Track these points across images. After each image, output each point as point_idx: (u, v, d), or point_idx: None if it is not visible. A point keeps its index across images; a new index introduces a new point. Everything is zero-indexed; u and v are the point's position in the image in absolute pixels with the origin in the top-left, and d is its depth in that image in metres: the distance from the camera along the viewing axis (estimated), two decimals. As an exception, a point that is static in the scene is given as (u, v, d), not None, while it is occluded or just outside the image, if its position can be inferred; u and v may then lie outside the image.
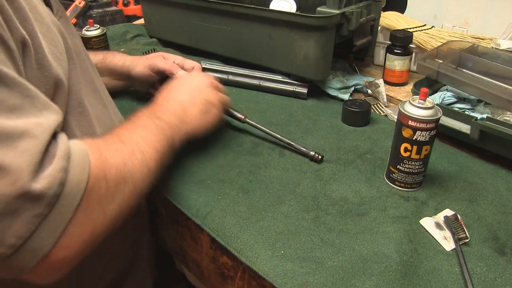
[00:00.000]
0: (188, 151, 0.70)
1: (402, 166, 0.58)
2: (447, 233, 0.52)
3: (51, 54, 0.43)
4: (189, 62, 0.79)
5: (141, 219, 0.69)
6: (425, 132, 0.54)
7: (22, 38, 0.39)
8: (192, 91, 0.64)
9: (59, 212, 0.35)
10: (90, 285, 0.59)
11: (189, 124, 0.60)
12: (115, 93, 0.80)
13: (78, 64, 0.52)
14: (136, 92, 0.85)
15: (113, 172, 0.41)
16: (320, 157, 0.66)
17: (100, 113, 0.56)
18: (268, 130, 0.70)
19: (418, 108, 0.54)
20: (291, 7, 1.01)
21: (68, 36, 0.53)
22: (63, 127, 0.47)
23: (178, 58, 0.79)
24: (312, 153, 0.66)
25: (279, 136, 0.69)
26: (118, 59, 0.79)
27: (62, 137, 0.38)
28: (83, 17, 1.27)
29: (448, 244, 0.51)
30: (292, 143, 0.68)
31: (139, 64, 0.78)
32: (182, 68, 0.78)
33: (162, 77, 0.78)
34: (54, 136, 0.38)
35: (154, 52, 1.08)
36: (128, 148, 0.46)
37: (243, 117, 0.72)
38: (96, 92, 0.57)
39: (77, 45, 0.55)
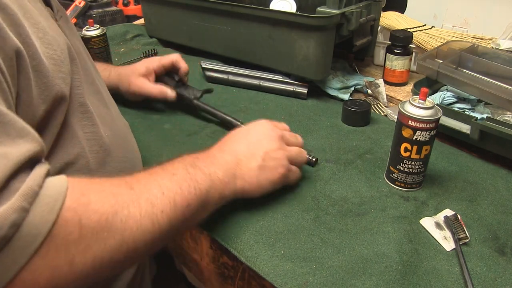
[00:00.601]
0: (187, 150, 0.70)
1: (402, 166, 0.58)
2: (447, 233, 0.52)
3: (48, 59, 0.42)
4: (165, 59, 0.78)
5: None
6: (425, 132, 0.54)
7: (15, 47, 0.37)
8: (253, 142, 0.54)
9: (8, 256, 0.31)
10: None
11: (241, 180, 0.51)
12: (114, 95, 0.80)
13: (80, 64, 0.51)
14: (144, 103, 0.85)
15: (93, 219, 0.35)
16: (314, 159, 0.65)
17: (104, 114, 0.55)
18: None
19: (418, 108, 0.54)
20: (291, 7, 1.01)
21: (69, 36, 0.53)
22: (65, 128, 0.46)
23: (155, 62, 0.78)
24: (308, 157, 0.64)
25: None
26: (104, 78, 0.78)
27: (37, 171, 0.34)
28: (83, 17, 1.27)
29: (448, 244, 0.51)
30: None
31: (125, 92, 0.78)
32: (162, 66, 0.78)
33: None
34: (28, 167, 0.34)
35: (154, 52, 1.08)
36: (133, 195, 0.40)
37: (239, 123, 0.72)
38: (98, 93, 0.56)
39: (77, 46, 0.54)
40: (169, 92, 0.77)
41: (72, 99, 0.47)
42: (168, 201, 0.41)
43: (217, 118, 0.76)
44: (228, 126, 0.74)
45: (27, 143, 0.35)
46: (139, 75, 0.78)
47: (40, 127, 0.42)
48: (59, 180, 0.36)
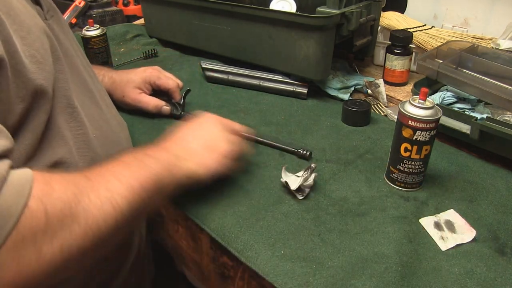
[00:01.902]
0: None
1: (402, 166, 0.58)
2: (445, 233, 0.52)
3: (30, 58, 0.42)
4: (164, 81, 0.78)
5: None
6: (425, 132, 0.54)
7: None
8: (196, 130, 0.58)
9: None
10: None
11: (190, 161, 0.53)
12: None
13: (66, 64, 0.51)
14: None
15: (58, 207, 0.36)
16: (308, 153, 0.67)
17: (94, 114, 0.55)
18: (246, 135, 0.67)
19: (418, 108, 0.54)
20: (291, 7, 1.01)
21: (60, 35, 0.52)
22: (51, 129, 0.46)
23: (153, 77, 0.78)
24: (300, 151, 0.67)
25: (260, 139, 0.70)
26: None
27: (3, 162, 0.35)
28: (83, 17, 1.27)
29: (444, 244, 0.51)
30: (274, 143, 0.69)
31: (119, 101, 0.77)
32: (157, 86, 0.78)
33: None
34: None
35: (154, 52, 1.08)
36: (90, 184, 0.41)
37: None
38: (89, 92, 0.56)
39: (67, 45, 0.54)
40: (164, 108, 0.78)
41: (57, 98, 0.47)
42: (125, 186, 0.43)
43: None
44: None
45: (0, 140, 0.36)
46: (134, 87, 0.77)
47: (21, 124, 0.42)
48: (25, 171, 0.37)
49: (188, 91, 0.80)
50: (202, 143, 0.56)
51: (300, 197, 0.58)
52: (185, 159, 0.53)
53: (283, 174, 0.59)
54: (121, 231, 0.44)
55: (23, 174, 0.36)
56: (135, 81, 0.77)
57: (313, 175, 0.59)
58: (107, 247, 0.43)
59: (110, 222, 0.41)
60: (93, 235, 0.39)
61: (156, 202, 0.49)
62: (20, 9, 0.44)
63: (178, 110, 0.79)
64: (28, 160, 0.44)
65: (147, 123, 0.79)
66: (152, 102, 0.77)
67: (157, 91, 0.81)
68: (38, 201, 0.35)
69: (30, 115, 0.43)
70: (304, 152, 0.67)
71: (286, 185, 0.59)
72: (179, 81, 0.81)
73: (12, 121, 0.41)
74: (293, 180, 0.58)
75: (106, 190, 0.42)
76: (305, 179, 0.58)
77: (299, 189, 0.58)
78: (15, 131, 0.42)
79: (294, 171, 0.64)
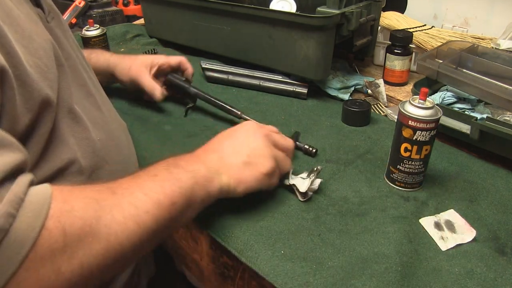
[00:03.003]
0: (186, 151, 0.70)
1: (402, 166, 0.58)
2: (445, 233, 0.52)
3: (33, 68, 0.41)
4: (173, 59, 0.79)
5: None
6: (425, 132, 0.54)
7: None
8: (237, 141, 0.54)
9: None
10: None
11: (226, 176, 0.50)
12: (112, 95, 0.81)
13: (68, 69, 0.50)
14: (134, 93, 0.85)
15: (77, 225, 0.35)
16: (314, 150, 0.67)
17: (95, 117, 0.54)
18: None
19: (418, 108, 0.54)
20: (291, 7, 1.01)
21: (61, 38, 0.52)
22: (54, 135, 0.46)
23: (161, 58, 0.79)
24: (306, 147, 0.67)
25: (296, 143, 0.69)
26: (102, 60, 0.79)
27: (21, 179, 0.35)
28: (83, 17, 1.27)
29: (444, 244, 0.51)
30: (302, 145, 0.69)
31: (124, 73, 0.78)
32: (168, 64, 0.79)
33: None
34: (12, 176, 0.34)
35: (154, 52, 1.08)
36: (115, 200, 0.40)
37: (239, 112, 0.73)
38: (90, 95, 0.55)
39: (68, 48, 0.54)
40: (158, 92, 0.77)
41: (60, 105, 0.46)
42: (152, 202, 0.41)
43: (217, 106, 0.77)
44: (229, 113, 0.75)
45: (12, 153, 0.35)
46: (142, 64, 0.78)
47: (27, 135, 0.42)
48: (43, 188, 0.36)
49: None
50: (243, 157, 0.52)
51: (302, 199, 0.58)
52: (222, 173, 0.50)
53: (289, 176, 0.58)
54: (146, 247, 0.42)
55: (41, 192, 0.35)
56: (144, 59, 0.79)
57: (318, 180, 0.58)
58: (130, 263, 0.42)
59: (134, 240, 0.39)
60: (115, 253, 0.38)
61: (186, 217, 0.47)
62: (21, 16, 0.43)
63: (189, 84, 0.80)
64: (33, 168, 0.43)
65: (147, 123, 0.79)
66: (150, 82, 0.77)
67: (171, 85, 0.82)
68: (56, 221, 0.34)
69: (36, 125, 0.43)
70: (310, 148, 0.67)
71: (290, 187, 0.58)
72: (170, 59, 0.81)
73: (19, 132, 0.40)
74: (301, 183, 0.57)
75: (131, 206, 0.40)
76: (312, 182, 0.57)
77: (304, 192, 0.57)
78: (21, 141, 0.41)
79: (295, 170, 0.64)
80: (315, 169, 0.59)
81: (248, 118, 0.72)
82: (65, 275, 0.35)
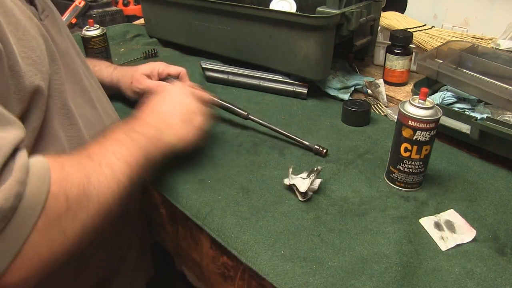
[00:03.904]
0: (187, 151, 0.70)
1: (402, 166, 0.58)
2: (445, 233, 0.52)
3: (26, 59, 0.42)
4: (173, 69, 0.80)
5: (129, 222, 0.68)
6: (425, 132, 0.54)
7: None
8: (172, 102, 0.62)
9: (15, 228, 0.34)
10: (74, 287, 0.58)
11: (170, 134, 0.57)
12: (113, 94, 0.80)
13: (62, 65, 0.51)
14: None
15: (74, 190, 0.39)
16: (324, 150, 0.67)
17: (88, 114, 0.55)
18: (271, 126, 0.71)
19: (418, 108, 0.54)
20: (291, 7, 1.01)
21: (55, 36, 0.52)
22: (46, 130, 0.47)
23: (161, 66, 0.80)
24: (316, 147, 0.68)
25: (282, 131, 0.70)
26: (105, 75, 0.80)
27: (22, 152, 0.37)
28: (83, 17, 1.27)
29: (444, 244, 0.51)
30: (295, 137, 0.69)
31: (127, 88, 0.79)
32: (168, 74, 0.79)
33: None
34: (14, 151, 0.37)
35: (154, 52, 1.08)
36: (95, 164, 0.44)
37: (245, 113, 0.73)
38: (84, 92, 0.56)
39: (64, 45, 0.54)
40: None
41: (53, 100, 0.48)
42: (123, 163, 0.47)
43: (223, 108, 0.75)
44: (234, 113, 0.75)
45: (16, 130, 0.38)
46: (142, 73, 0.79)
47: None
48: (40, 158, 0.39)
49: None
50: (180, 115, 0.59)
51: (302, 199, 0.58)
52: (165, 133, 0.57)
53: (290, 176, 0.59)
54: (121, 203, 0.47)
55: (40, 162, 0.38)
56: (144, 69, 0.80)
57: (318, 181, 0.59)
58: (109, 220, 0.46)
59: (116, 197, 0.45)
60: (104, 212, 0.43)
61: (146, 170, 0.53)
62: (15, 9, 0.44)
63: None
64: None
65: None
66: (155, 82, 0.78)
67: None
68: (58, 186, 0.38)
69: (27, 116, 0.44)
70: (320, 148, 0.67)
71: (290, 186, 0.59)
72: (170, 68, 0.82)
73: None
74: (301, 183, 0.57)
75: (108, 169, 0.45)
76: (312, 182, 0.58)
77: (304, 192, 0.57)
78: None
79: (295, 170, 0.64)
80: (315, 169, 0.59)
81: (255, 118, 0.72)
82: (70, 236, 0.39)
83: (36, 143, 0.46)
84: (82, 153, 0.45)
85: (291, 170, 0.59)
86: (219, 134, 0.74)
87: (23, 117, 0.43)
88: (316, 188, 0.59)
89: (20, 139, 0.38)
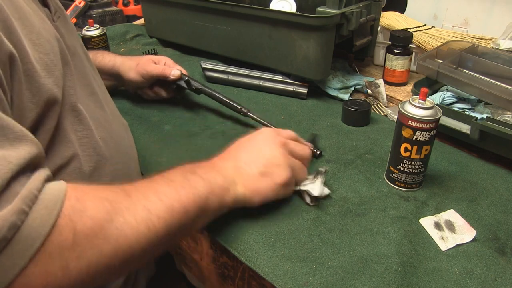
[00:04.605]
0: (186, 151, 0.70)
1: (402, 166, 0.58)
2: (445, 233, 0.52)
3: (40, 63, 0.42)
4: (178, 67, 0.80)
5: None
6: (425, 132, 0.54)
7: (9, 52, 0.37)
8: (255, 149, 0.53)
9: (7, 259, 0.31)
10: None
11: (242, 186, 0.50)
12: (113, 94, 0.81)
13: (73, 67, 0.50)
14: (136, 93, 0.85)
15: (88, 225, 0.36)
16: (318, 152, 0.66)
17: (98, 116, 0.55)
18: (266, 123, 0.71)
19: (418, 108, 0.54)
20: (291, 7, 1.01)
21: (67, 37, 0.52)
22: (58, 132, 0.46)
23: (169, 60, 0.81)
24: (311, 148, 0.66)
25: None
26: (108, 60, 0.79)
27: (37, 175, 0.35)
28: (83, 17, 1.27)
29: (444, 244, 0.51)
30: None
31: (131, 69, 0.78)
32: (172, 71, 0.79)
33: (153, 82, 0.81)
34: (28, 170, 0.35)
35: (154, 52, 1.08)
36: (129, 202, 0.40)
37: (245, 111, 0.73)
38: (93, 94, 0.56)
39: (74, 46, 0.54)
40: (173, 70, 0.78)
41: (64, 102, 0.47)
42: (165, 207, 0.41)
43: (222, 103, 0.76)
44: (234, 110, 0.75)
45: (26, 146, 0.35)
46: (149, 59, 0.80)
47: (33, 131, 0.42)
48: (58, 185, 0.36)
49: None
50: (259, 166, 0.51)
51: (312, 204, 0.56)
52: (237, 183, 0.50)
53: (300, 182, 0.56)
54: (155, 252, 0.42)
55: (55, 189, 0.36)
56: (150, 57, 0.80)
57: (327, 190, 0.57)
58: (138, 265, 0.42)
59: (143, 244, 0.39)
60: (124, 255, 0.38)
61: (198, 225, 0.47)
62: (30, 12, 0.43)
63: (192, 85, 0.79)
64: None
65: (146, 123, 0.79)
66: (159, 67, 0.79)
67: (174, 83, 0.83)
68: (67, 220, 0.35)
69: (42, 121, 0.43)
70: (315, 150, 0.67)
71: (302, 191, 0.57)
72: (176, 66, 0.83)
73: (26, 127, 0.40)
74: (312, 187, 0.55)
75: (144, 210, 0.40)
76: (322, 185, 0.56)
77: (315, 197, 0.56)
78: None
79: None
80: (321, 170, 0.57)
81: (254, 116, 0.72)
82: (72, 273, 0.35)
83: (48, 146, 0.45)
84: (120, 187, 0.41)
85: None
86: (219, 135, 0.74)
87: (39, 121, 0.42)
88: (327, 193, 0.56)
89: (32, 156, 0.35)
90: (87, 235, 0.36)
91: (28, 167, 0.35)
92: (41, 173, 0.36)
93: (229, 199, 0.49)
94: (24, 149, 0.35)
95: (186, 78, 0.79)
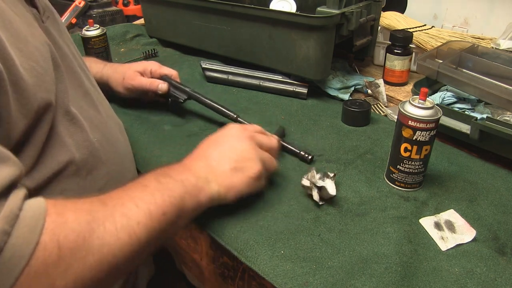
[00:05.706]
0: (186, 151, 0.69)
1: (402, 166, 0.58)
2: (445, 233, 0.52)
3: (29, 71, 0.41)
4: (166, 70, 0.79)
5: None
6: (425, 132, 0.54)
7: None
8: (224, 146, 0.54)
9: None
10: None
11: (216, 184, 0.50)
12: (113, 94, 0.80)
13: (64, 70, 0.50)
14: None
15: (71, 238, 0.35)
16: (310, 157, 0.65)
17: (92, 117, 0.54)
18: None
19: (418, 108, 0.54)
20: (291, 7, 1.01)
21: (58, 39, 0.51)
22: (52, 138, 0.45)
23: (154, 66, 0.79)
24: (302, 153, 0.66)
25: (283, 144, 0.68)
26: (95, 71, 0.78)
27: (16, 194, 0.35)
28: (83, 17, 1.27)
29: (444, 244, 0.51)
30: (283, 142, 0.67)
31: (118, 84, 0.77)
32: (160, 74, 0.78)
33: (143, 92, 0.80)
34: (7, 191, 0.34)
35: (154, 52, 1.08)
36: (106, 211, 0.39)
37: (235, 116, 0.72)
38: (86, 95, 0.55)
39: (64, 47, 0.53)
40: (160, 84, 0.77)
41: (57, 107, 0.46)
42: (143, 212, 0.41)
43: (212, 109, 0.75)
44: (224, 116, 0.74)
45: (8, 168, 0.35)
46: (135, 71, 0.78)
47: (24, 140, 0.42)
48: (38, 202, 0.36)
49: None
50: (231, 162, 0.52)
51: (321, 203, 0.56)
52: (211, 181, 0.50)
53: (314, 177, 0.56)
54: (139, 258, 0.42)
55: (35, 206, 0.35)
56: (136, 67, 0.78)
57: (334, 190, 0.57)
58: (123, 275, 0.41)
59: (126, 251, 0.39)
60: (109, 265, 0.38)
61: (177, 227, 0.47)
62: (16, 18, 0.42)
63: (182, 97, 0.78)
64: (30, 171, 0.43)
65: (146, 123, 0.79)
66: (148, 79, 0.77)
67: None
68: (51, 234, 0.34)
69: (33, 130, 0.42)
70: (306, 155, 0.66)
71: (309, 188, 0.56)
72: (163, 68, 0.81)
73: (15, 138, 0.40)
74: (331, 186, 0.55)
75: (122, 217, 0.40)
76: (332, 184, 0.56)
77: (328, 197, 0.56)
78: (18, 146, 0.41)
79: (295, 170, 0.64)
80: (330, 174, 0.57)
81: (244, 121, 0.71)
82: None
83: (43, 152, 0.45)
84: (95, 197, 0.41)
85: (314, 171, 0.56)
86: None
87: (29, 131, 0.42)
88: (334, 194, 0.56)
89: (13, 178, 0.35)
90: (71, 249, 0.35)
91: (8, 188, 0.35)
92: (20, 192, 0.35)
93: (204, 197, 0.49)
94: (5, 171, 0.34)
95: (173, 93, 0.78)
